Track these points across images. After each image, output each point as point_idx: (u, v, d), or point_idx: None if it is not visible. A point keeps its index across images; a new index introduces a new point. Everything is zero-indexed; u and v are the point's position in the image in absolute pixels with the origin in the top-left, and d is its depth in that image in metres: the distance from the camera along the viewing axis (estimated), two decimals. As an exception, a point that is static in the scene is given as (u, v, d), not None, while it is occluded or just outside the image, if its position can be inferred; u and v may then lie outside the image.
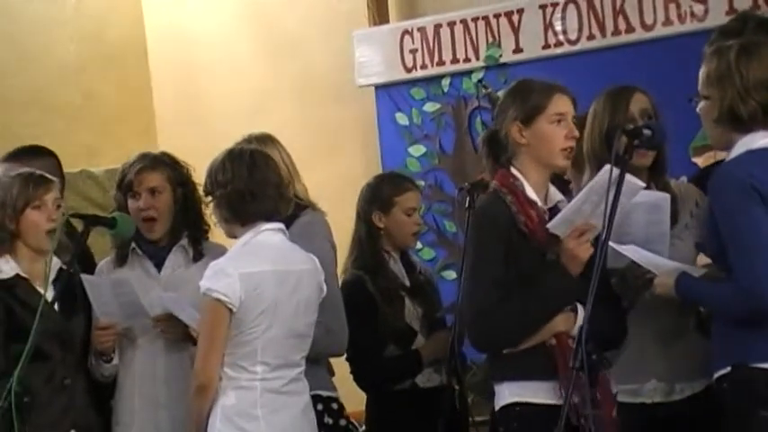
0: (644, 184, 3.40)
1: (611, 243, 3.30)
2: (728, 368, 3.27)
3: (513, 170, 3.51)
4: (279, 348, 3.68)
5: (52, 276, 3.92)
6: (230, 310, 3.62)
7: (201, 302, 3.68)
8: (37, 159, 4.43)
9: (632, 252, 3.46)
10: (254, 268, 3.65)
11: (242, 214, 3.72)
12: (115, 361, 4.05)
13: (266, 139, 4.23)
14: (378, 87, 6.20)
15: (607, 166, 3.31)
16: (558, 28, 5.60)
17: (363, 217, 4.47)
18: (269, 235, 3.73)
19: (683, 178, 4.04)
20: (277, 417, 3.66)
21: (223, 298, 3.61)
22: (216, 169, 3.76)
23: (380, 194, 4.48)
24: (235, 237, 3.78)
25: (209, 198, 3.80)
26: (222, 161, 3.76)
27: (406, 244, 4.51)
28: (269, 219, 3.74)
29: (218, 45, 6.90)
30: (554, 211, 3.50)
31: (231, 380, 3.65)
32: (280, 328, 3.67)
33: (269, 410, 3.65)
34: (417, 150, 6.12)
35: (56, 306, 3.91)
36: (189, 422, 3.73)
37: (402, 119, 6.14)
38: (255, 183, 3.71)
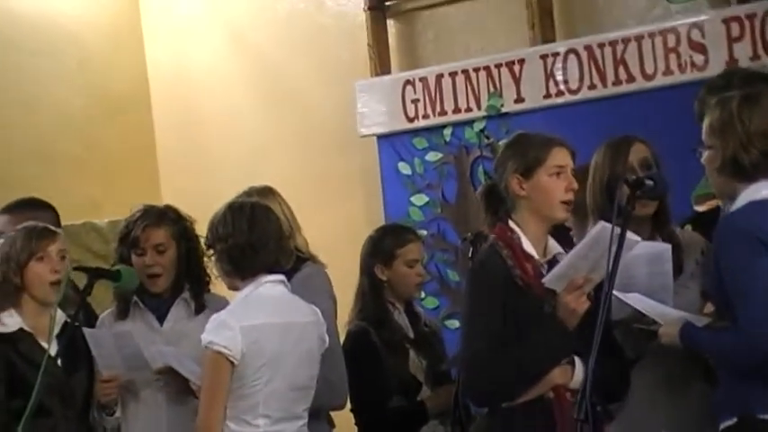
0: (639, 239, 3.41)
1: (615, 292, 3.29)
2: (735, 419, 3.25)
3: (511, 223, 3.53)
4: (281, 401, 3.67)
5: (57, 330, 3.92)
6: (232, 362, 3.61)
7: (203, 356, 3.67)
8: (35, 212, 4.42)
9: (636, 301, 3.46)
10: (255, 321, 3.65)
11: (243, 268, 3.72)
12: (117, 413, 4.03)
13: (267, 191, 4.23)
14: (380, 137, 6.21)
15: (600, 224, 3.32)
16: (560, 77, 5.61)
17: (366, 270, 4.46)
18: (270, 287, 3.73)
19: (688, 227, 4.04)
20: (280, 471, 3.64)
21: (224, 351, 3.60)
22: (217, 223, 3.76)
23: (382, 247, 4.48)
24: (236, 289, 3.77)
25: (211, 251, 3.80)
26: (223, 215, 3.76)
27: (409, 295, 4.51)
28: (269, 271, 3.74)
29: (221, 96, 6.93)
30: (552, 263, 3.52)
31: (233, 434, 3.63)
32: (282, 380, 3.66)
33: None
34: (420, 200, 6.12)
35: (58, 361, 3.90)
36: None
37: (404, 168, 6.14)
38: (256, 236, 3.70)
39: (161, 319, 4.13)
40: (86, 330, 4.01)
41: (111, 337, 3.99)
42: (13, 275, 3.98)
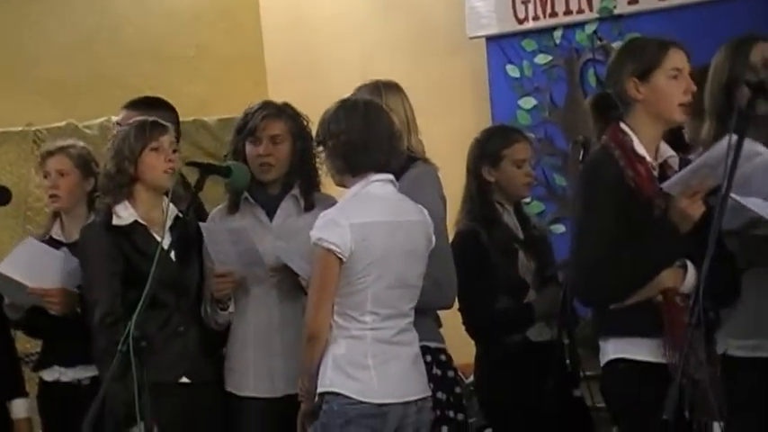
0: (763, 149, 3.32)
1: (733, 195, 3.22)
2: None
3: (623, 125, 3.48)
4: (388, 298, 3.68)
5: (169, 224, 3.97)
6: (340, 259, 3.62)
7: (312, 252, 3.70)
8: (157, 111, 4.44)
9: (756, 205, 3.38)
10: (364, 219, 3.66)
11: (353, 165, 3.72)
12: (231, 309, 4.09)
13: (392, 86, 4.18)
14: (489, 39, 6.14)
15: (727, 137, 3.24)
16: (676, -22, 5.47)
17: (473, 172, 4.46)
18: (379, 186, 3.73)
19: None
20: (388, 367, 3.66)
21: (333, 248, 3.62)
22: (329, 119, 3.76)
23: (489, 148, 4.46)
24: (345, 186, 3.78)
25: (321, 148, 3.81)
26: (336, 111, 3.76)
27: (518, 195, 4.50)
28: (379, 170, 3.74)
29: (329, -4, 6.91)
30: (664, 166, 3.47)
31: (341, 329, 3.66)
32: (389, 278, 3.68)
33: (380, 360, 3.65)
34: (528, 103, 6.05)
35: (172, 254, 3.96)
36: (302, 370, 3.75)
37: (513, 71, 6.08)
38: (368, 134, 3.70)
39: (270, 215, 4.16)
40: (202, 225, 4.05)
41: (226, 233, 4.03)
42: (127, 165, 4.02)
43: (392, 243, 3.68)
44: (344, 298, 3.66)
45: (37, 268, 4.14)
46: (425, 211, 3.81)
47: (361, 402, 3.61)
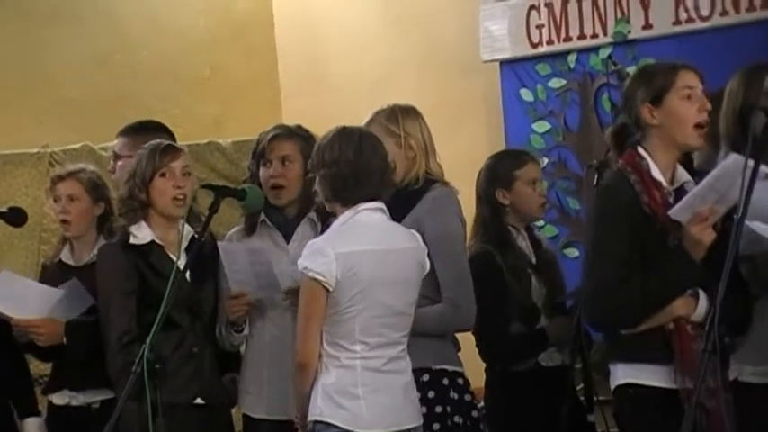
0: None
1: (747, 222, 3.22)
2: None
3: (640, 149, 3.48)
4: (377, 327, 3.65)
5: (184, 244, 3.97)
6: (327, 289, 3.60)
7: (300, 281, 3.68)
8: (152, 134, 4.36)
9: (762, 229, 3.37)
10: (351, 248, 3.63)
11: (342, 196, 3.69)
12: (245, 331, 4.09)
13: (410, 110, 4.16)
14: (503, 63, 6.16)
15: (732, 156, 3.24)
16: (690, 3, 5.47)
17: (485, 198, 4.44)
18: (367, 215, 3.69)
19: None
20: (378, 396, 3.64)
21: (319, 277, 3.59)
22: (323, 147, 3.71)
23: (500, 171, 4.46)
24: (334, 213, 3.75)
25: (310, 174, 3.78)
26: (331, 140, 3.71)
27: (533, 216, 4.50)
28: (369, 202, 3.70)
29: (344, 18, 6.92)
30: (680, 191, 3.47)
31: (332, 358, 3.64)
32: (377, 307, 3.64)
33: (369, 390, 3.63)
34: (541, 127, 6.06)
35: (187, 274, 3.95)
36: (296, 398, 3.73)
37: (527, 95, 6.09)
38: (360, 167, 3.66)
39: (287, 237, 4.16)
40: (220, 244, 4.06)
41: (244, 253, 4.02)
42: (138, 192, 4.03)
43: (379, 272, 3.65)
44: (333, 327, 3.63)
45: (18, 299, 4.10)
46: (418, 237, 3.79)
47: (351, 432, 3.60)
